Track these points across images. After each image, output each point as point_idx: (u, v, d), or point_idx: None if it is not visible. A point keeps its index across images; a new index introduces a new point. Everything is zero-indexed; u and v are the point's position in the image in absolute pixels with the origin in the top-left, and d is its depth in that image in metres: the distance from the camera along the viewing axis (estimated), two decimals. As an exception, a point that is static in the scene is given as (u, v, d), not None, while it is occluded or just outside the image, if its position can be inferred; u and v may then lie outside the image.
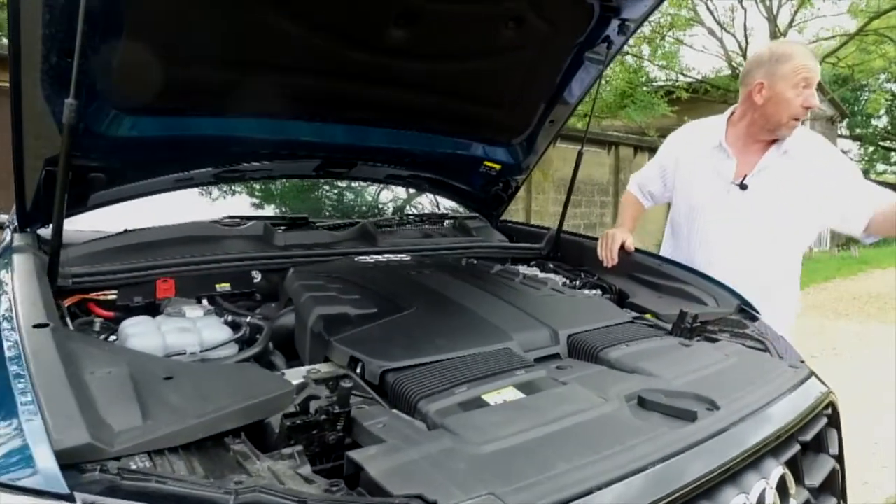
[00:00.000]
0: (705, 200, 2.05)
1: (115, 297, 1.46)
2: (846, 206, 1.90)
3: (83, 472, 0.70)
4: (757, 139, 1.98)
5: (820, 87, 18.35)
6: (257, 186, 2.47)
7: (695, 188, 2.09)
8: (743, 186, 1.96)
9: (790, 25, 14.60)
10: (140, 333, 1.22)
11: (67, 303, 1.36)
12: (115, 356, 0.99)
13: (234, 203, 2.31)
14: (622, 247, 2.02)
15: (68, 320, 1.28)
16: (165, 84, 1.62)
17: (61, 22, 1.20)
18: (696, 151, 2.10)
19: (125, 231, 1.70)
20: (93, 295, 1.43)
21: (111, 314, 1.43)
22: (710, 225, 2.04)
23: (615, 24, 1.91)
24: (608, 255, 2.02)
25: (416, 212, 2.76)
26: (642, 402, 1.04)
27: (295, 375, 1.10)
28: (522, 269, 2.01)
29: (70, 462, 0.69)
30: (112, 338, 1.28)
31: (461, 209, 2.66)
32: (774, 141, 1.95)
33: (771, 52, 1.94)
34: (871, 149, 29.73)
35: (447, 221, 2.42)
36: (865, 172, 30.87)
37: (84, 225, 1.74)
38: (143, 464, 0.77)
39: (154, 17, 1.45)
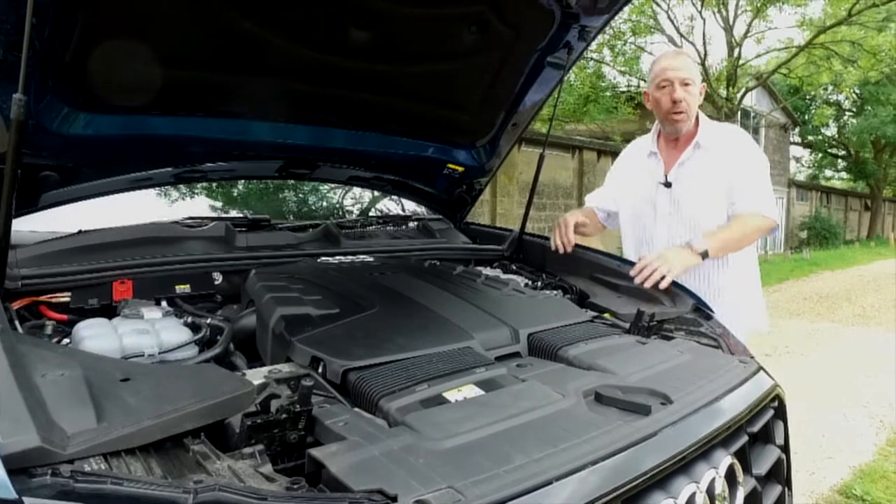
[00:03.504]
0: (642, 202, 2.21)
1: (68, 299, 1.42)
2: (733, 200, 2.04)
3: (33, 477, 0.68)
4: (670, 140, 2.15)
5: (773, 96, 19.23)
6: (219, 188, 2.43)
7: (633, 193, 2.24)
8: (667, 184, 2.12)
9: (745, 35, 15.14)
10: (95, 335, 1.19)
11: (16, 305, 1.32)
12: (69, 358, 0.96)
13: (195, 204, 2.27)
14: (577, 233, 2.10)
15: (17, 324, 1.24)
16: (122, 81, 1.59)
17: (9, 14, 1.17)
18: (634, 162, 2.26)
19: (80, 232, 1.65)
20: (44, 297, 1.39)
21: (64, 317, 1.38)
22: (648, 223, 2.19)
23: (575, 30, 1.95)
24: (564, 241, 2.07)
25: (380, 214, 2.76)
26: (599, 398, 1.07)
27: (256, 376, 1.09)
28: (485, 270, 2.04)
29: (19, 466, 0.68)
30: (65, 341, 1.24)
31: (425, 211, 2.67)
32: (691, 139, 2.09)
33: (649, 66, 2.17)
34: (820, 155, 31.06)
35: (411, 223, 2.43)
36: (815, 178, 32.25)
37: (37, 225, 1.69)
38: (99, 466, 0.75)
39: (109, 12, 1.42)
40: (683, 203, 2.09)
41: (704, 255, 1.90)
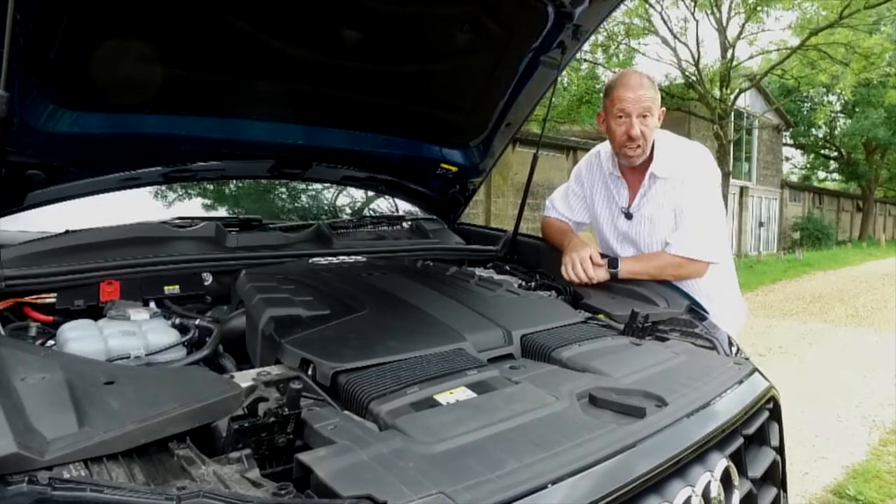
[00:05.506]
0: (606, 224, 2.16)
1: (53, 300, 1.39)
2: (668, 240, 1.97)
3: (8, 485, 0.66)
4: (629, 166, 2.04)
5: (766, 97, 19.33)
6: (210, 187, 2.40)
7: (598, 212, 2.18)
8: (628, 216, 2.06)
9: (738, 37, 15.20)
10: (80, 337, 1.16)
11: None
12: (50, 361, 0.94)
13: (185, 204, 2.24)
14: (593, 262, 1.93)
15: None
16: (109, 79, 1.57)
17: (-10, 9, 1.14)
18: (598, 178, 2.17)
19: (66, 232, 1.62)
20: (29, 298, 1.36)
21: (50, 318, 1.36)
22: (614, 246, 2.14)
23: (569, 29, 1.94)
24: (586, 275, 1.90)
25: (373, 214, 2.74)
26: (593, 400, 1.06)
27: (244, 378, 1.07)
28: (478, 270, 2.02)
29: None
30: (50, 343, 1.22)
31: (418, 211, 2.65)
32: (648, 167, 1.98)
33: (605, 84, 2.04)
34: (811, 156, 31.26)
35: (404, 223, 2.41)
36: (807, 179, 32.45)
37: (22, 225, 1.66)
38: (79, 472, 0.73)
39: (96, 9, 1.39)
40: (648, 236, 2.03)
41: (614, 276, 1.90)
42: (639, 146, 1.93)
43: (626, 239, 2.10)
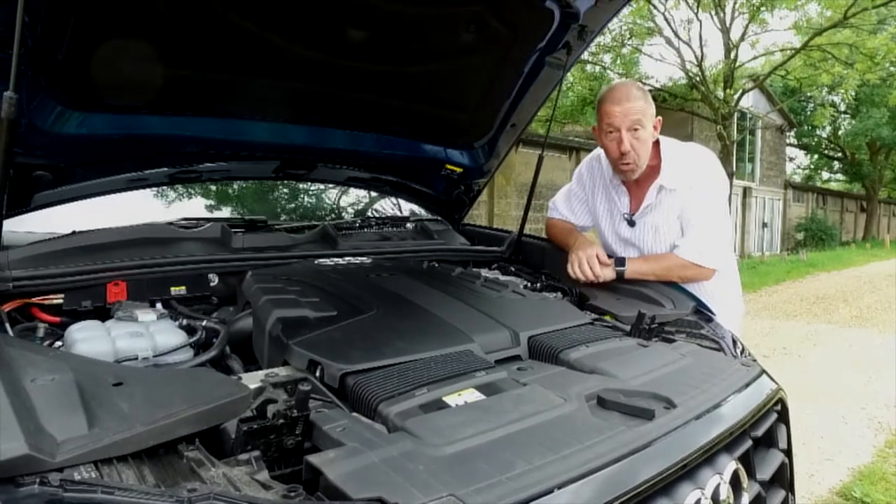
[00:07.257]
0: (608, 229, 2.15)
1: (61, 301, 1.39)
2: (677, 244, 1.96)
3: (20, 486, 0.66)
4: (627, 181, 2.02)
5: (769, 98, 19.26)
6: (215, 188, 2.40)
7: (600, 216, 2.17)
8: (631, 223, 2.05)
9: (742, 38, 15.16)
10: (88, 338, 1.17)
11: (7, 307, 1.29)
12: (60, 362, 0.94)
13: (191, 205, 2.24)
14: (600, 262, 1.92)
15: (7, 326, 1.21)
16: (116, 80, 1.57)
17: (-1, 11, 1.15)
18: (600, 181, 2.15)
19: (73, 232, 1.62)
20: (36, 299, 1.36)
21: (57, 319, 1.36)
22: (617, 250, 2.12)
23: (575, 29, 1.94)
24: (592, 273, 1.90)
25: (377, 215, 2.74)
26: (602, 402, 1.05)
27: (252, 379, 1.07)
28: (484, 271, 2.02)
29: (5, 475, 0.66)
30: (57, 344, 1.22)
31: (423, 212, 2.65)
32: (654, 176, 1.95)
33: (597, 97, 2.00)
34: (815, 157, 31.17)
35: (409, 224, 2.41)
36: (810, 179, 32.32)
37: (30, 226, 1.67)
38: (89, 474, 0.73)
39: (103, 11, 1.40)
40: (651, 245, 2.02)
41: (620, 275, 1.89)
42: (631, 162, 1.90)
43: (628, 244, 2.09)
